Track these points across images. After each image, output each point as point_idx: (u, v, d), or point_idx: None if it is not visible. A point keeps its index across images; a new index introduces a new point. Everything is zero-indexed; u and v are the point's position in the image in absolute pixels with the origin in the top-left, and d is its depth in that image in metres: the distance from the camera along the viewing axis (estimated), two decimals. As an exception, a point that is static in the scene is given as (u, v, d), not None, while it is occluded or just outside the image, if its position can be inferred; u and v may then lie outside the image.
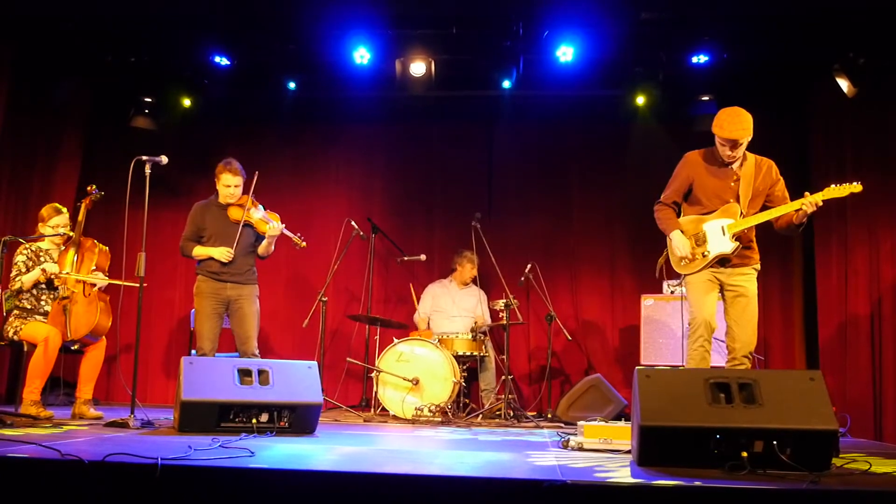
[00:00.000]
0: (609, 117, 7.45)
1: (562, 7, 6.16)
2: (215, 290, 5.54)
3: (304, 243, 5.69)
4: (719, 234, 4.56)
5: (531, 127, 7.67)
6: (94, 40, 6.57)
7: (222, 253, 5.50)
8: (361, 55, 6.60)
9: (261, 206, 5.70)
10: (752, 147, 4.62)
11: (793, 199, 4.53)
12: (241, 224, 5.56)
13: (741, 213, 4.56)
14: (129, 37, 6.60)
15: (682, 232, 4.67)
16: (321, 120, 7.83)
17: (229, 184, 5.59)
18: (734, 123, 4.45)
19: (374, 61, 6.68)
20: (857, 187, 4.42)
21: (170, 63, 7.01)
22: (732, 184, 4.62)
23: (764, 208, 4.59)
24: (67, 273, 5.36)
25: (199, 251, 5.57)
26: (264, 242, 5.65)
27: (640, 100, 7.07)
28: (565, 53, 6.47)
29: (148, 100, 7.31)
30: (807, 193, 4.44)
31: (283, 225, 5.63)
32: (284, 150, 7.72)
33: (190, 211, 5.74)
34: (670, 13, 6.15)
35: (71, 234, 5.47)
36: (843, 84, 6.08)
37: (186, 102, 7.33)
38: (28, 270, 5.33)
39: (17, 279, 5.30)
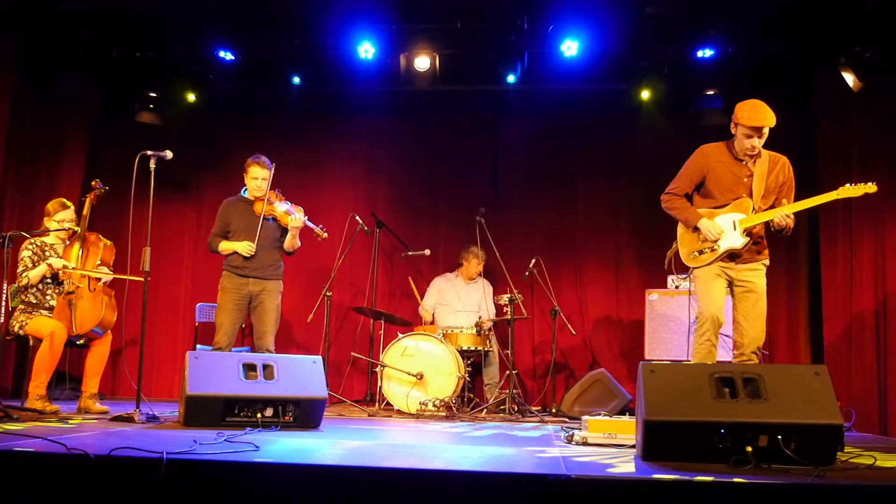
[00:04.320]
0: (614, 112, 7.44)
1: (566, 1, 6.15)
2: (238, 285, 5.58)
3: (325, 234, 5.73)
4: (730, 228, 4.56)
5: (536, 121, 7.65)
6: (99, 35, 6.58)
7: (244, 247, 5.55)
8: (366, 50, 6.59)
9: (286, 200, 5.73)
10: (761, 141, 4.60)
11: (798, 195, 4.54)
12: (262, 217, 5.60)
13: (753, 208, 4.55)
14: (134, 32, 6.60)
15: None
16: (325, 114, 7.83)
17: (257, 176, 5.66)
18: (759, 112, 4.45)
19: (379, 56, 6.68)
20: (871, 188, 4.44)
21: (175, 58, 7.03)
22: (746, 179, 4.61)
23: (774, 206, 4.58)
24: (74, 267, 5.37)
25: (224, 246, 5.65)
26: (288, 235, 5.68)
27: (645, 94, 7.06)
28: (570, 47, 6.45)
29: (153, 95, 7.32)
30: (784, 200, 4.52)
31: (306, 217, 5.65)
32: (289, 144, 7.72)
33: (219, 207, 5.82)
34: (675, 7, 6.14)
35: (76, 228, 5.48)
36: (849, 79, 6.06)
37: (191, 97, 7.35)
38: (34, 266, 5.34)
39: (23, 275, 5.31)
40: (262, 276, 5.62)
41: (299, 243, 5.77)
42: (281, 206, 5.67)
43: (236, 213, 5.72)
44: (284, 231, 5.70)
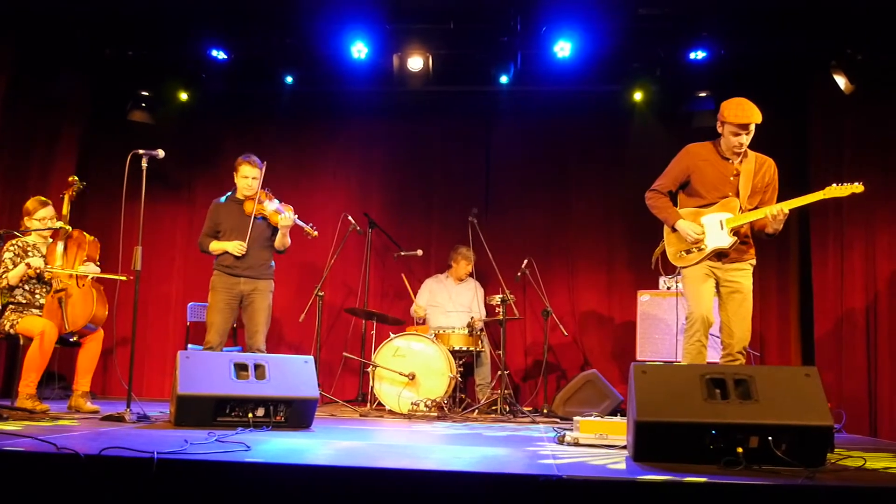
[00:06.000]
0: (607, 113, 7.45)
1: (559, 2, 6.15)
2: (229, 284, 5.58)
3: (315, 233, 5.75)
4: (717, 227, 4.56)
5: (529, 122, 7.66)
6: (92, 34, 6.56)
7: (235, 247, 5.55)
8: (359, 50, 6.59)
9: (276, 199, 5.74)
10: (751, 142, 4.60)
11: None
12: (253, 216, 5.59)
13: (740, 207, 4.56)
14: (127, 30, 6.58)
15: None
16: (318, 114, 7.82)
17: (247, 175, 5.65)
18: (745, 109, 4.46)
19: (372, 56, 6.67)
20: (858, 188, 4.41)
21: (168, 57, 7.00)
22: (732, 178, 4.61)
23: (759, 207, 4.59)
24: (60, 266, 5.33)
25: (215, 246, 5.65)
26: (278, 234, 5.68)
27: (638, 95, 7.09)
28: (563, 49, 6.46)
29: (145, 93, 7.30)
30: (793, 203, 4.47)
31: (296, 215, 5.65)
32: (281, 144, 7.70)
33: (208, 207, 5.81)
34: (668, 8, 6.15)
35: (60, 226, 5.43)
36: (841, 81, 6.08)
37: (184, 96, 7.33)
38: (15, 266, 5.31)
39: (3, 276, 5.28)
40: (253, 275, 5.62)
41: (290, 242, 5.77)
42: (271, 205, 5.68)
43: (226, 212, 5.71)
44: (275, 230, 5.70)
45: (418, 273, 7.53)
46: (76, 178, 5.57)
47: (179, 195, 7.84)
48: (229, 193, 5.80)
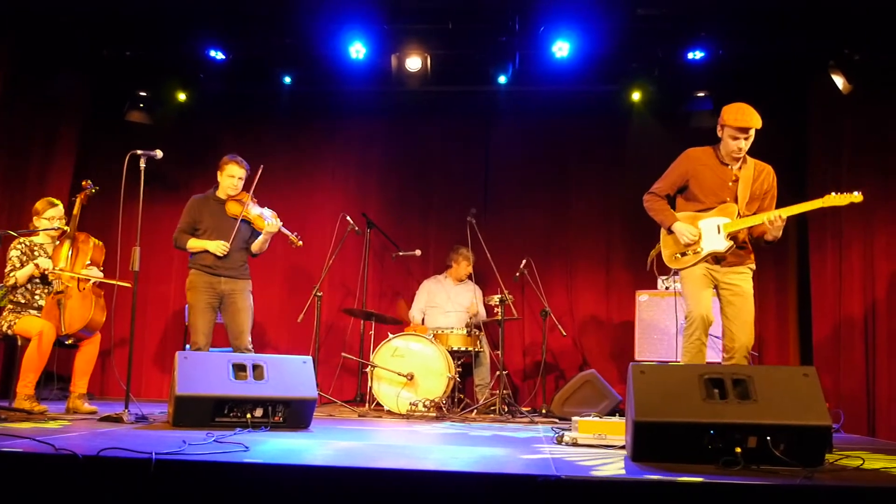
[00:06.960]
0: (605, 113, 7.45)
1: (558, 2, 6.16)
2: (209, 283, 5.51)
3: (300, 242, 5.68)
4: (714, 231, 4.55)
5: (527, 122, 7.66)
6: (91, 33, 6.56)
7: (218, 247, 5.48)
8: (357, 50, 6.59)
9: (257, 204, 5.69)
10: (750, 144, 4.59)
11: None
12: (240, 219, 5.55)
13: (738, 213, 4.55)
14: (125, 30, 6.58)
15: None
16: (317, 114, 7.82)
17: (234, 174, 5.59)
18: (745, 113, 4.46)
19: (370, 56, 6.67)
20: (857, 197, 4.36)
21: (166, 57, 7.00)
22: (731, 183, 4.61)
23: (757, 213, 4.58)
24: (62, 269, 5.34)
25: (194, 244, 5.54)
26: (260, 239, 5.63)
27: (636, 96, 7.09)
28: (561, 49, 6.47)
29: (143, 94, 7.30)
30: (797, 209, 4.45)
31: (281, 223, 5.63)
32: (280, 144, 7.71)
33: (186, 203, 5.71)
34: (666, 9, 6.15)
35: (66, 227, 5.45)
36: (839, 81, 6.08)
37: (182, 97, 7.33)
38: (22, 266, 5.31)
39: (11, 275, 5.28)
40: (233, 275, 5.55)
41: (267, 247, 5.74)
42: (254, 210, 5.63)
43: (207, 211, 5.62)
44: (254, 233, 5.66)
45: (417, 273, 7.53)
46: (89, 181, 5.56)
47: (178, 195, 7.80)
48: (210, 191, 5.73)
